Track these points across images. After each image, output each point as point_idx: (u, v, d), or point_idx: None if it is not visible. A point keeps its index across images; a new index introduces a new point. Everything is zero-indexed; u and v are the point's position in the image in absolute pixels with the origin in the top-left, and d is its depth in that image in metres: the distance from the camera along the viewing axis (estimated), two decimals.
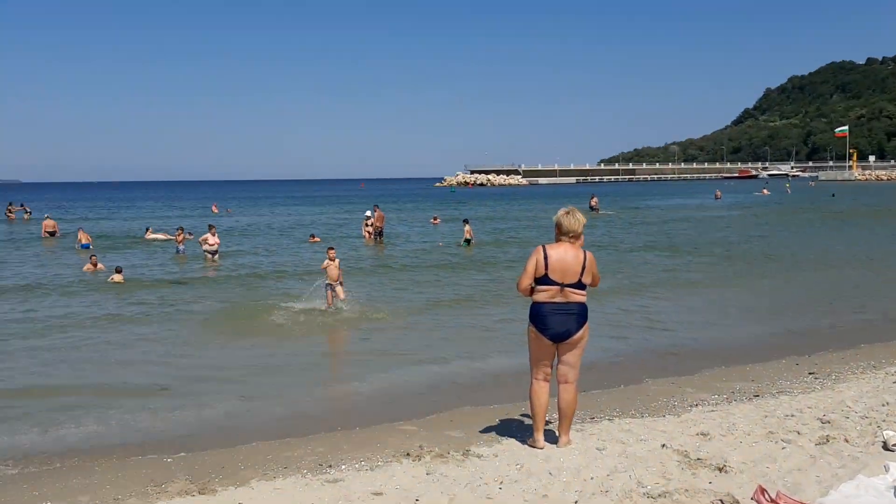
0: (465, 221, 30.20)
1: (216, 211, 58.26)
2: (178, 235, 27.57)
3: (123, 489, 6.49)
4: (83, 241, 30.11)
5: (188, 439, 8.19)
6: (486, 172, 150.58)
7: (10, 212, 50.44)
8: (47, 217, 37.72)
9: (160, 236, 33.14)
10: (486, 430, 7.73)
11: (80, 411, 9.19)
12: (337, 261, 15.57)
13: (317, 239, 31.94)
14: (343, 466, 6.72)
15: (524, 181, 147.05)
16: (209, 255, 24.22)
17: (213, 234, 24.67)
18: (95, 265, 21.80)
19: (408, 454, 6.90)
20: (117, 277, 19.49)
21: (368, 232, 31.91)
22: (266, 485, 6.34)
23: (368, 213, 32.46)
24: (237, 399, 9.62)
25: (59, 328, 14.19)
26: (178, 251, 26.43)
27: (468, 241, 28.75)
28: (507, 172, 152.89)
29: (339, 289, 15.48)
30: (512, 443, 7.12)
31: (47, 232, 34.76)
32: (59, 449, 8.07)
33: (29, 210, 50.77)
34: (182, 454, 7.47)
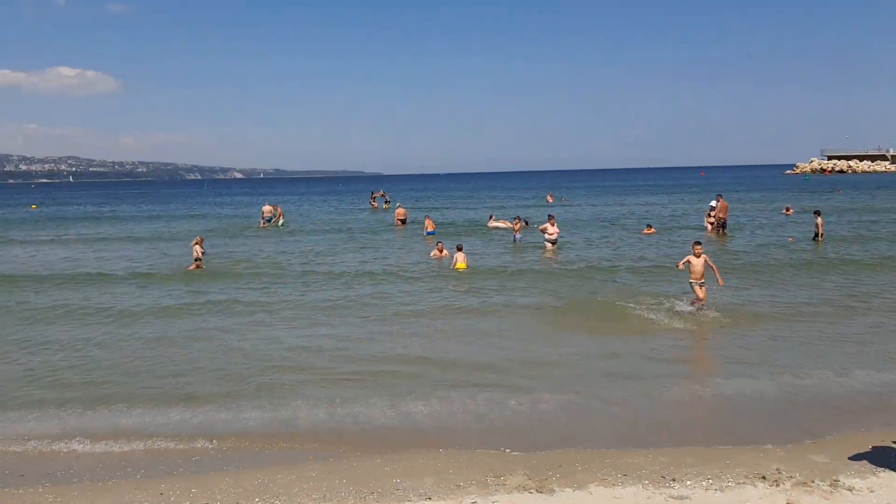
0: (817, 213, 27.12)
1: (551, 200, 59.46)
2: (516, 224, 28.46)
3: (465, 476, 6.62)
4: (429, 229, 32.44)
5: (524, 431, 8.20)
6: (847, 158, 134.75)
7: (373, 200, 56.36)
8: (399, 206, 41.38)
9: (501, 224, 34.54)
10: (857, 457, 6.65)
11: (423, 391, 9.69)
12: (703, 257, 14.37)
13: (652, 230, 31.00)
14: (688, 482, 6.19)
15: (893, 167, 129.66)
16: (548, 245, 24.64)
17: (553, 224, 25.02)
18: (441, 251, 23.29)
19: (763, 477, 6.18)
20: (460, 261, 20.55)
21: (711, 223, 30.18)
22: (605, 491, 6.05)
23: (713, 202, 30.65)
24: (573, 395, 9.45)
25: (403, 314, 15.10)
26: (514, 240, 27.28)
27: (820, 236, 25.86)
28: (873, 158, 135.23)
29: (701, 289, 14.20)
30: (892, 477, 6.03)
31: (399, 220, 38.10)
32: (405, 425, 8.57)
33: (388, 199, 56.07)
34: (519, 452, 7.42)
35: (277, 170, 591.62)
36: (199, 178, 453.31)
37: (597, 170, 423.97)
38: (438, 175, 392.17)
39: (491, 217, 37.08)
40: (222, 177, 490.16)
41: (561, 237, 25.95)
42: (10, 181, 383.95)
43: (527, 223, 30.99)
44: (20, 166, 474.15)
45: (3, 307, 16.50)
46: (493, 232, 33.02)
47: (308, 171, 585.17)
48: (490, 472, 6.67)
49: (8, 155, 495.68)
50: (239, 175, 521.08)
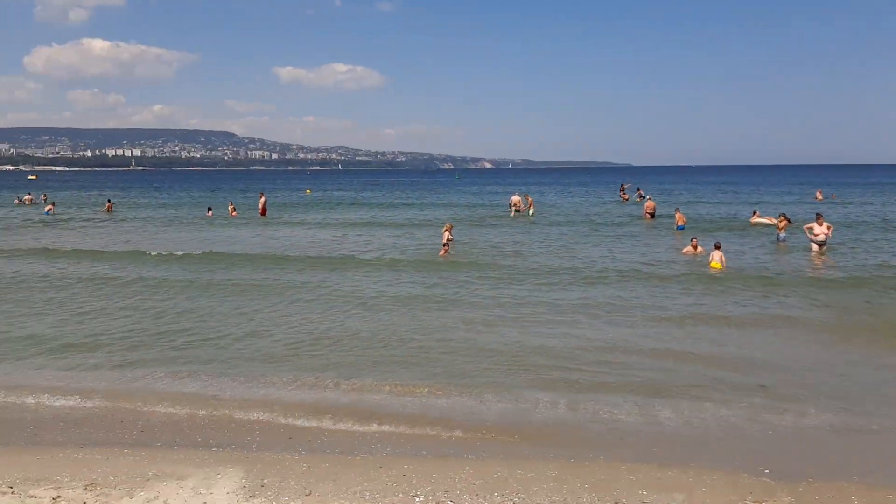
0: None
1: (820, 198, 54.26)
2: (780, 222, 26.27)
3: (719, 497, 6.06)
4: (679, 223, 30.95)
5: (786, 452, 7.39)
6: None
7: (623, 192, 55.09)
8: (649, 198, 39.99)
9: (765, 221, 32.16)
10: None
11: (671, 398, 9.12)
12: None
13: None
14: None
15: None
16: (815, 247, 22.36)
17: (821, 223, 22.65)
18: (696, 248, 22.07)
19: None
20: (716, 260, 19.31)
21: None
22: None
23: None
24: (845, 417, 8.38)
25: (649, 317, 14.30)
26: (778, 239, 25.17)
27: None
28: None
29: None
30: None
31: (648, 213, 36.77)
32: (652, 431, 8.10)
33: (643, 194, 54.33)
34: (781, 476, 6.64)
35: (526, 160, 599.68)
36: (452, 167, 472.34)
37: (875, 165, 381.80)
38: (689, 167, 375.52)
39: (755, 212, 34.63)
40: (473, 166, 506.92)
41: (831, 239, 23.43)
42: (290, 168, 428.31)
43: (790, 220, 28.43)
44: (298, 155, 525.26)
45: (266, 284, 17.90)
46: (754, 229, 30.76)
47: (556, 162, 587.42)
48: (748, 496, 6.03)
49: (289, 144, 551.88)
50: (488, 165, 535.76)
